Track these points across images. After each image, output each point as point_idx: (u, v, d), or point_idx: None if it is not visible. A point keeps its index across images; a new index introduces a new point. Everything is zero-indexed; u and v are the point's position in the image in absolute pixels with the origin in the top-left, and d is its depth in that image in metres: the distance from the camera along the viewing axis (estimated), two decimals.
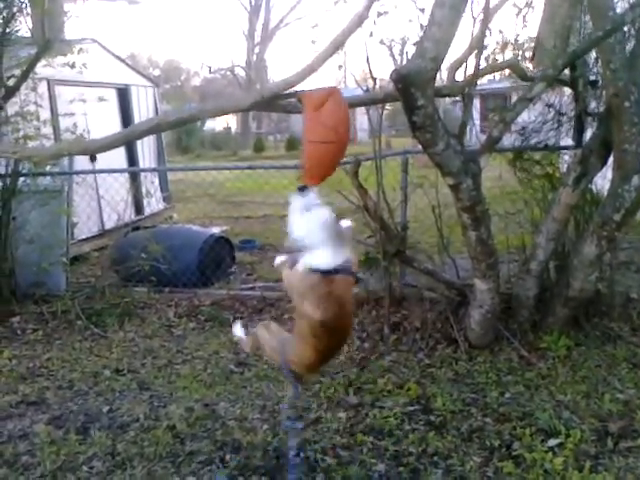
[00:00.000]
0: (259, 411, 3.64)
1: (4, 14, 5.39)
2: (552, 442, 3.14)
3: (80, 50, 6.68)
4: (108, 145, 3.72)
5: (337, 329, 2.38)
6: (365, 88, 4.57)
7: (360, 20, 3.48)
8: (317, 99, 2.76)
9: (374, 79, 4.39)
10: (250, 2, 38.52)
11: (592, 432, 3.23)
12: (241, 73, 39.62)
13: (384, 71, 4.58)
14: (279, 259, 2.71)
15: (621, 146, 3.85)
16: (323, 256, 2.29)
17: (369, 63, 4.32)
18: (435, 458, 3.08)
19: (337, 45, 3.49)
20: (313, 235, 2.31)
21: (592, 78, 4.42)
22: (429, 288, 4.71)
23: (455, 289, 4.55)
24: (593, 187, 4.52)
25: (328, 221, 2.33)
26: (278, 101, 3.59)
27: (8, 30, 5.49)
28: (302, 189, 2.42)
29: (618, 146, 3.88)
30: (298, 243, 2.37)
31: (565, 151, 4.80)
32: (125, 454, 3.23)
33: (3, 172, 5.58)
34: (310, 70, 3.49)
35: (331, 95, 2.72)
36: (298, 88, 3.54)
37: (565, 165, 4.71)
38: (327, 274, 2.28)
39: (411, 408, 3.58)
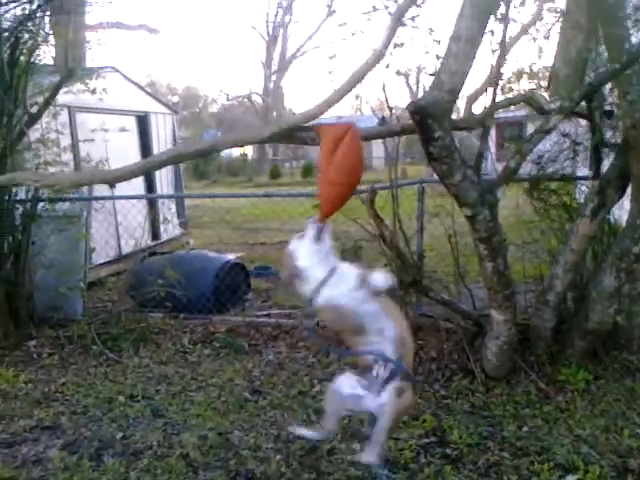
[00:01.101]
0: (273, 440, 3.61)
1: (29, 44, 5.51)
2: (570, 478, 3.08)
3: (99, 77, 6.82)
4: (128, 175, 3.77)
5: None
6: (381, 116, 4.61)
7: (378, 57, 3.52)
8: (334, 134, 2.79)
9: (390, 109, 4.42)
10: (267, 32, 39.18)
11: (611, 468, 3.16)
12: (258, 100, 40.14)
13: (400, 100, 4.61)
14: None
15: (639, 177, 3.83)
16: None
17: (385, 92, 4.37)
18: None
19: (355, 82, 3.53)
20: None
21: (608, 108, 4.42)
22: (445, 318, 4.68)
23: (471, 319, 4.52)
24: (611, 217, 4.49)
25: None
26: (296, 133, 3.63)
27: (32, 59, 5.61)
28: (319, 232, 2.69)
29: (636, 177, 3.87)
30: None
31: (582, 181, 4.78)
32: None
33: (23, 197, 5.67)
34: (328, 104, 3.53)
35: (347, 133, 2.75)
36: (316, 121, 3.58)
37: (582, 195, 4.69)
38: None
39: (427, 440, 3.53)
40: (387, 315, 2.64)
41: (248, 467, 3.32)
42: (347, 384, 2.74)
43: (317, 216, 2.74)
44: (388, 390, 2.60)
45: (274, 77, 40.09)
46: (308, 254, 2.69)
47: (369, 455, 2.65)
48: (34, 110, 5.78)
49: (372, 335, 2.61)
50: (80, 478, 3.28)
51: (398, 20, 3.64)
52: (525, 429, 3.62)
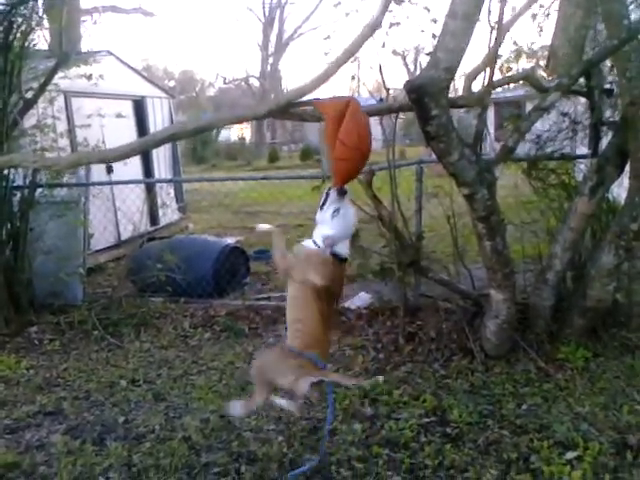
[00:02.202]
0: (274, 422, 3.63)
1: (23, 28, 5.46)
2: (570, 455, 3.10)
3: (95, 62, 6.76)
4: (126, 154, 3.75)
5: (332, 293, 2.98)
6: (378, 98, 4.57)
7: (373, 28, 3.49)
8: (334, 109, 2.80)
9: (387, 90, 4.39)
10: (264, 13, 38.86)
11: (611, 445, 3.18)
12: (255, 83, 39.89)
13: (398, 81, 4.57)
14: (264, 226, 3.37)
15: (637, 155, 3.81)
16: (344, 246, 2.92)
17: (382, 73, 4.34)
18: (451, 471, 3.05)
19: (350, 54, 3.50)
20: (343, 230, 2.90)
21: (607, 86, 4.39)
22: (444, 298, 4.69)
23: (471, 299, 4.53)
24: (610, 196, 4.48)
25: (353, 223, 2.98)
26: (293, 109, 3.60)
27: (26, 44, 5.56)
28: (340, 192, 2.88)
29: (634, 155, 3.85)
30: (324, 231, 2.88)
31: (580, 160, 4.77)
32: (141, 465, 3.24)
33: (21, 183, 5.65)
34: (324, 78, 3.49)
35: (348, 108, 2.75)
36: (312, 96, 3.55)
37: (580, 174, 4.68)
38: (342, 260, 2.93)
39: (427, 420, 3.55)
40: None
41: (250, 449, 3.35)
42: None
43: (333, 182, 2.91)
44: None
45: (271, 59, 39.78)
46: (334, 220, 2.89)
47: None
48: (29, 95, 5.74)
49: None
50: (83, 462, 3.30)
51: None
52: (524, 407, 3.64)
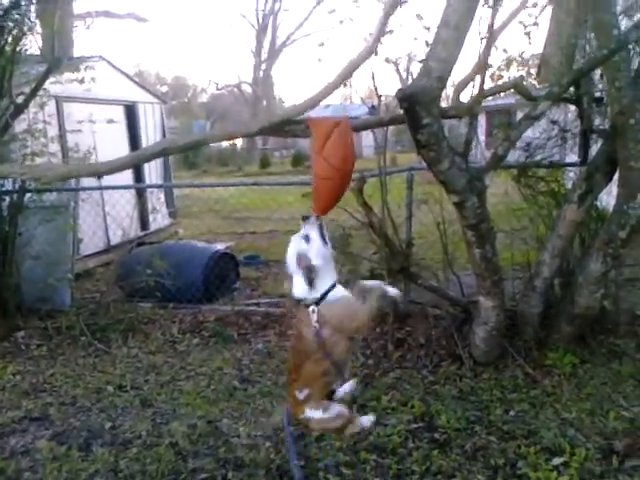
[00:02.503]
0: (262, 428, 3.62)
1: (14, 33, 5.45)
2: (557, 461, 3.11)
3: (87, 67, 6.74)
4: (117, 167, 3.73)
5: None
6: (371, 105, 4.59)
7: (369, 52, 3.50)
8: (324, 128, 2.80)
9: (379, 97, 4.41)
10: (257, 20, 38.98)
11: (597, 450, 3.19)
12: (248, 90, 39.95)
13: (390, 88, 4.60)
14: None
15: (626, 163, 3.84)
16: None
17: (374, 81, 4.35)
18: (439, 477, 3.05)
19: (345, 76, 3.51)
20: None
21: (597, 95, 4.43)
22: (434, 305, 4.70)
23: (460, 306, 4.54)
24: (598, 204, 4.51)
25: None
26: (286, 127, 3.60)
27: (18, 48, 5.55)
28: (304, 218, 2.85)
29: (623, 163, 3.88)
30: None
31: (569, 168, 4.80)
32: (127, 471, 3.22)
33: (10, 188, 5.62)
34: (318, 99, 3.50)
35: (337, 127, 2.75)
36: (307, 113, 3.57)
37: (570, 182, 4.70)
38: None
39: (415, 425, 3.55)
40: None
41: (237, 455, 3.33)
42: None
43: (314, 213, 2.84)
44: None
45: (264, 66, 39.91)
46: (320, 255, 2.84)
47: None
48: (20, 100, 5.72)
49: None
50: (69, 468, 3.28)
51: (389, 14, 3.60)
52: (512, 413, 3.65)
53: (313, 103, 3.52)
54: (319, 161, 2.74)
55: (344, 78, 3.53)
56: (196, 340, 5.23)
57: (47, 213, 5.84)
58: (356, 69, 3.52)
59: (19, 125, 5.92)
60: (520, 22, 4.41)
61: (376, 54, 3.56)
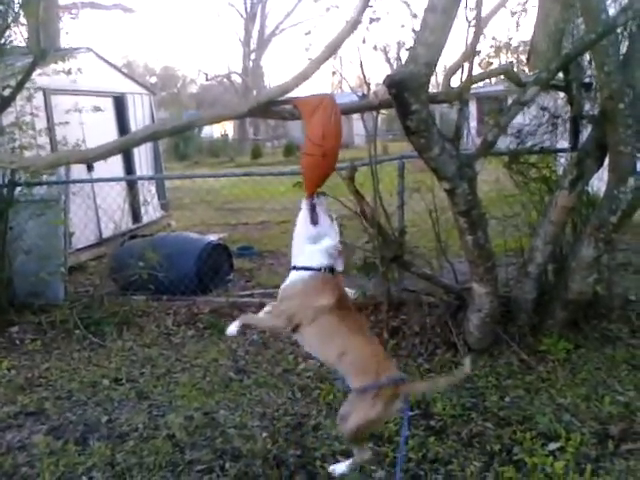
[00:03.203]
0: (259, 419, 3.63)
1: None
2: (553, 446, 3.14)
3: (74, 58, 6.68)
4: (107, 153, 3.71)
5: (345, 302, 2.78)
6: (360, 94, 4.56)
7: (353, 25, 3.48)
8: (310, 106, 2.78)
9: (368, 85, 4.39)
10: (246, 9, 38.69)
11: (592, 435, 3.22)
12: (237, 80, 39.73)
13: (380, 76, 4.57)
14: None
15: (616, 148, 3.85)
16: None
17: (363, 69, 4.33)
18: (435, 464, 3.08)
19: (331, 51, 3.49)
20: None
21: (586, 80, 4.43)
22: (427, 293, 4.70)
23: (453, 293, 4.55)
24: (589, 189, 4.52)
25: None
26: (274, 107, 3.58)
27: (3, 40, 5.49)
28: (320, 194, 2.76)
29: (613, 148, 3.89)
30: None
31: (561, 154, 4.80)
32: (124, 464, 3.22)
33: (0, 182, 5.58)
34: (304, 76, 3.48)
35: (321, 104, 2.72)
36: (294, 94, 3.54)
37: (561, 168, 4.71)
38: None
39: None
40: None
41: (234, 445, 3.34)
42: None
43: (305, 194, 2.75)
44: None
45: (253, 55, 39.65)
46: (307, 238, 2.71)
47: None
48: (7, 93, 5.66)
49: None
50: (66, 462, 3.28)
51: None
52: (507, 399, 3.67)
53: (300, 81, 3.49)
54: (305, 137, 2.72)
55: (329, 54, 3.50)
56: (191, 332, 5.22)
57: (38, 207, 5.80)
58: (341, 44, 3.49)
59: (6, 118, 5.87)
60: (510, 11, 4.40)
61: (359, 27, 3.54)
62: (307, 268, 2.69)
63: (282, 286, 2.77)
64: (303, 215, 2.74)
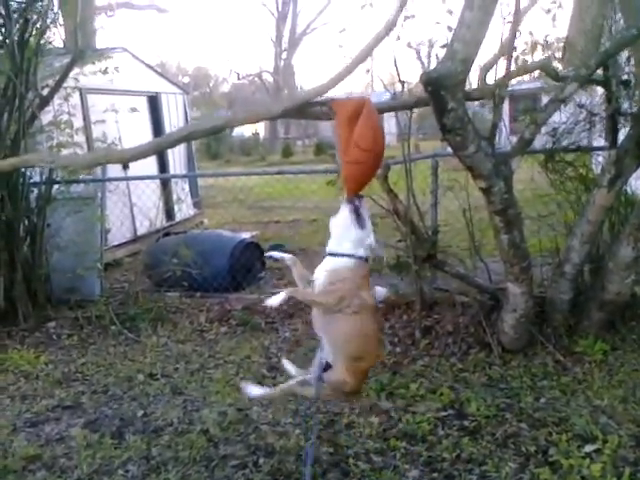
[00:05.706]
0: (291, 415, 3.65)
1: (38, 25, 5.49)
2: (589, 448, 3.08)
3: (109, 58, 6.78)
4: (142, 153, 3.78)
5: None
6: (393, 92, 4.54)
7: (389, 28, 3.47)
8: (349, 109, 2.76)
9: (402, 83, 4.37)
10: (277, 8, 38.82)
11: (630, 437, 3.16)
12: (269, 79, 39.89)
13: (412, 74, 4.55)
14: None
15: None
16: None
17: (397, 66, 4.32)
18: (469, 464, 3.05)
19: (366, 53, 3.49)
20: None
21: (624, 77, 4.35)
22: (461, 292, 4.67)
23: (488, 293, 4.51)
24: (628, 188, 4.44)
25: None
26: (309, 108, 3.59)
27: (42, 41, 5.60)
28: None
29: None
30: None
31: (598, 152, 4.72)
32: (160, 458, 3.27)
33: (38, 180, 5.70)
34: (339, 79, 3.49)
35: (362, 108, 2.70)
36: (328, 94, 3.55)
37: (598, 166, 4.63)
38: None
39: (444, 413, 3.55)
40: None
41: (268, 441, 3.36)
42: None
43: (346, 196, 2.71)
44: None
45: (285, 54, 39.78)
46: (353, 241, 2.66)
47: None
48: (45, 92, 5.78)
49: None
50: (103, 455, 3.34)
51: None
52: (543, 400, 3.63)
53: (335, 83, 3.50)
54: (348, 146, 2.70)
55: (365, 57, 3.51)
56: (224, 329, 5.27)
57: (75, 204, 5.91)
58: (376, 47, 3.49)
59: (45, 117, 5.99)
60: (547, 7, 4.34)
61: (395, 29, 3.53)
62: (351, 256, 2.64)
63: (323, 268, 2.71)
64: (345, 215, 2.69)
